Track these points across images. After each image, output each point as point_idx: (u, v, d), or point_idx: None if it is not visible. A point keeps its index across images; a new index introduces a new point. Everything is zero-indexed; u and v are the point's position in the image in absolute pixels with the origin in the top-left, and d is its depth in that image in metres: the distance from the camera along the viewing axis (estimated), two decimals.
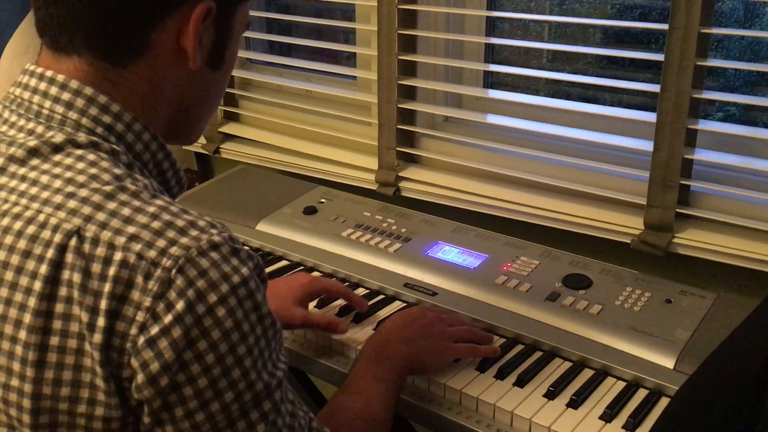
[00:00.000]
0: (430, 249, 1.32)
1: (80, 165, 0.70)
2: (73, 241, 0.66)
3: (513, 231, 1.39)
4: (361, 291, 1.25)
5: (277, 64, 1.85)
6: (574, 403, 0.97)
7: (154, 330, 0.64)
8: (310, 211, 1.47)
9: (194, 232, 0.67)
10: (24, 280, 0.66)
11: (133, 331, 0.65)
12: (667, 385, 0.99)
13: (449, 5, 1.52)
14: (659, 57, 1.22)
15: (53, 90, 0.73)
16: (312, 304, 1.18)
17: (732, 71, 1.39)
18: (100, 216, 0.67)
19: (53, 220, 0.67)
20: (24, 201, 0.69)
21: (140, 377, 0.65)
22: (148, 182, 0.73)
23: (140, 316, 0.64)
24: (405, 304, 1.21)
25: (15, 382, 0.67)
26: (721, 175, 1.29)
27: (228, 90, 1.84)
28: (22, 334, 0.66)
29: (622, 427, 0.93)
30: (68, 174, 0.69)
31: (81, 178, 0.69)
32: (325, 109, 1.70)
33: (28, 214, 0.68)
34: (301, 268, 1.34)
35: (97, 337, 0.65)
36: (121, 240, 0.65)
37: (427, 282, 1.24)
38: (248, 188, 1.64)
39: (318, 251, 1.35)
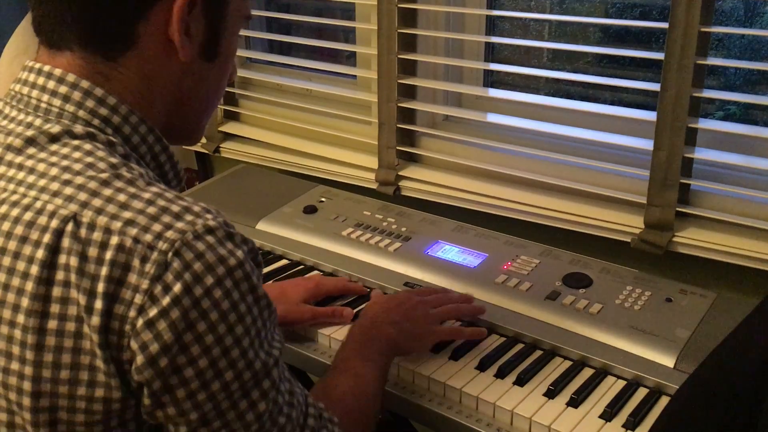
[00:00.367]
0: (430, 248, 1.32)
1: (77, 154, 0.71)
2: (70, 226, 0.66)
3: (513, 230, 1.39)
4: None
5: (278, 64, 1.85)
6: (574, 402, 0.97)
7: (153, 312, 0.65)
8: (310, 210, 1.47)
9: (189, 217, 0.68)
10: (21, 265, 0.67)
11: (132, 313, 0.65)
12: (667, 384, 0.99)
13: (449, 4, 1.52)
14: (659, 56, 1.21)
15: (51, 84, 0.74)
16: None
17: (732, 70, 1.38)
18: (97, 202, 0.67)
19: (50, 207, 0.68)
20: (21, 189, 0.70)
21: (140, 359, 0.66)
22: (144, 171, 0.73)
23: (138, 299, 0.65)
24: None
25: (15, 365, 0.68)
26: (722, 174, 1.29)
27: (228, 89, 1.84)
28: (21, 318, 0.67)
29: (622, 426, 0.93)
30: (65, 162, 0.70)
31: (77, 166, 0.70)
32: (325, 108, 1.70)
33: (26, 201, 0.69)
34: (301, 267, 1.34)
35: (95, 320, 0.65)
36: (117, 225, 0.66)
37: (427, 281, 1.24)
38: (248, 187, 1.63)
39: (318, 250, 1.35)
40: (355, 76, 1.73)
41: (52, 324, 0.66)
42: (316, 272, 1.31)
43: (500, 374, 1.03)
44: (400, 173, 1.57)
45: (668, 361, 1.02)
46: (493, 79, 1.61)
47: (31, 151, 0.71)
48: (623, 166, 1.33)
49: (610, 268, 1.24)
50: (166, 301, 0.65)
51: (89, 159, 0.70)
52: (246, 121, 1.88)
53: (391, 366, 1.02)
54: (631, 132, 1.35)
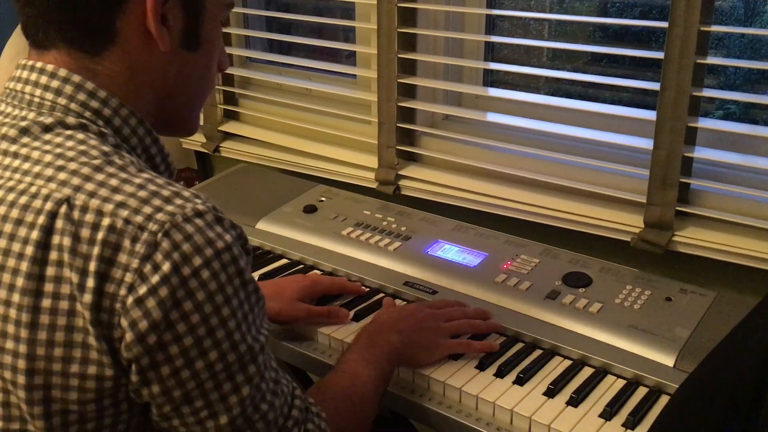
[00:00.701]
0: (430, 247, 1.32)
1: (70, 143, 0.73)
2: (63, 209, 0.68)
3: (513, 229, 1.39)
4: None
5: (277, 63, 1.85)
6: (574, 402, 0.97)
7: (142, 290, 0.67)
8: (310, 209, 1.47)
9: (179, 201, 0.70)
10: (16, 246, 0.69)
11: (122, 291, 0.67)
12: (667, 383, 0.99)
13: (449, 3, 1.51)
14: (659, 55, 1.21)
15: (43, 79, 0.76)
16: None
17: (732, 69, 1.38)
18: (89, 186, 0.69)
19: (44, 191, 0.70)
20: (17, 176, 0.72)
21: (129, 336, 0.67)
22: (135, 159, 0.75)
23: (128, 277, 0.67)
24: (405, 303, 1.21)
25: (10, 344, 0.69)
26: (721, 173, 1.29)
27: (228, 89, 1.85)
28: (16, 297, 0.68)
29: (622, 425, 0.93)
30: (58, 150, 0.72)
31: (71, 153, 0.72)
32: (325, 107, 1.70)
33: (21, 186, 0.71)
34: (301, 266, 1.34)
35: (87, 297, 0.67)
36: (109, 207, 0.68)
37: (427, 280, 1.24)
38: (248, 187, 1.64)
39: (318, 250, 1.35)
40: (354, 76, 1.73)
41: (46, 302, 0.68)
42: (315, 271, 1.31)
43: (500, 373, 1.03)
44: (399, 172, 1.57)
45: (668, 361, 1.02)
46: (492, 79, 1.61)
47: (26, 140, 0.74)
48: (623, 166, 1.33)
49: (609, 268, 1.24)
50: (155, 279, 0.66)
51: (82, 147, 0.72)
52: (246, 121, 1.88)
53: (394, 370, 1.02)
54: (631, 131, 1.35)
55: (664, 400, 0.98)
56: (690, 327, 1.08)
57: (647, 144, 1.27)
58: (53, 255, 0.68)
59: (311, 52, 1.88)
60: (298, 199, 1.52)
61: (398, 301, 1.21)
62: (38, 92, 0.76)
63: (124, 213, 0.68)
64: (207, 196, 0.74)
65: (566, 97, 1.50)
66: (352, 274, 1.28)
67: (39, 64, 0.77)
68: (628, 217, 1.33)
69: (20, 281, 0.68)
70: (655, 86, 1.24)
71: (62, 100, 0.75)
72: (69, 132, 0.74)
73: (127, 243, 0.67)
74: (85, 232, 0.67)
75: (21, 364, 0.68)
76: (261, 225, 1.44)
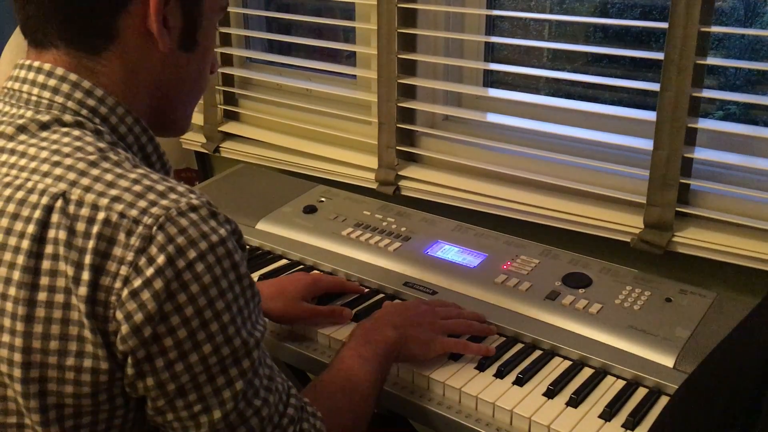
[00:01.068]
0: (430, 248, 1.32)
1: (66, 139, 0.73)
2: (59, 203, 0.69)
3: (513, 230, 1.39)
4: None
5: (277, 63, 1.85)
6: (574, 402, 0.97)
7: (137, 282, 0.67)
8: (310, 210, 1.47)
9: (174, 195, 0.71)
10: (13, 240, 0.69)
11: (117, 284, 0.67)
12: (667, 384, 0.99)
13: (449, 4, 1.52)
14: (659, 56, 1.21)
15: (40, 78, 0.77)
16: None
17: (732, 70, 1.38)
18: (85, 181, 0.70)
19: (41, 186, 0.70)
20: (14, 171, 0.73)
21: (124, 328, 0.68)
22: (131, 156, 0.76)
23: (123, 270, 0.67)
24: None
25: (6, 337, 0.69)
26: (721, 174, 1.29)
27: (228, 89, 1.85)
28: (12, 291, 0.69)
29: (622, 426, 0.93)
30: (55, 146, 0.73)
31: (67, 149, 0.72)
32: (325, 108, 1.70)
33: (18, 182, 0.72)
34: (301, 267, 1.34)
35: (83, 290, 0.67)
36: (104, 201, 0.69)
37: (426, 281, 1.24)
38: (248, 187, 1.64)
39: (318, 250, 1.35)
40: (354, 76, 1.73)
41: (42, 296, 0.68)
42: (315, 272, 1.31)
43: (500, 374, 1.03)
44: (399, 173, 1.57)
45: (668, 361, 1.02)
46: (492, 79, 1.61)
47: (23, 137, 0.74)
48: (623, 166, 1.33)
49: (609, 268, 1.24)
50: (149, 271, 0.67)
51: (78, 143, 0.73)
52: (246, 121, 1.88)
53: (391, 365, 1.02)
54: (631, 132, 1.35)
55: (663, 400, 0.98)
56: (690, 328, 1.08)
57: (647, 144, 1.27)
58: (49, 248, 0.68)
59: (311, 53, 1.88)
60: (298, 199, 1.52)
61: (397, 302, 1.21)
62: (36, 91, 0.77)
63: (119, 207, 0.68)
64: (204, 194, 0.74)
65: (566, 98, 1.50)
66: (351, 274, 1.28)
67: (36, 64, 0.77)
68: (627, 217, 1.33)
69: (16, 274, 0.69)
70: (655, 87, 1.24)
71: (59, 99, 0.76)
72: (65, 129, 0.74)
73: (122, 236, 0.68)
74: (80, 226, 0.68)
75: (17, 357, 0.69)
76: (261, 225, 1.44)
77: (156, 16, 0.76)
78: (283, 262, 1.36)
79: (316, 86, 1.75)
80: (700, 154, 1.26)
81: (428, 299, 1.18)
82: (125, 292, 0.67)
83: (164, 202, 0.69)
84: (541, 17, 1.53)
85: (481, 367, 1.04)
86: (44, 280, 0.68)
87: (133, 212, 0.68)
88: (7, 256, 0.69)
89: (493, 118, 1.51)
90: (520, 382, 1.01)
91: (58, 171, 0.71)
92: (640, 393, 1.00)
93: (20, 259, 0.69)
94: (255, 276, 1.28)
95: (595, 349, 1.06)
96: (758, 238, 1.21)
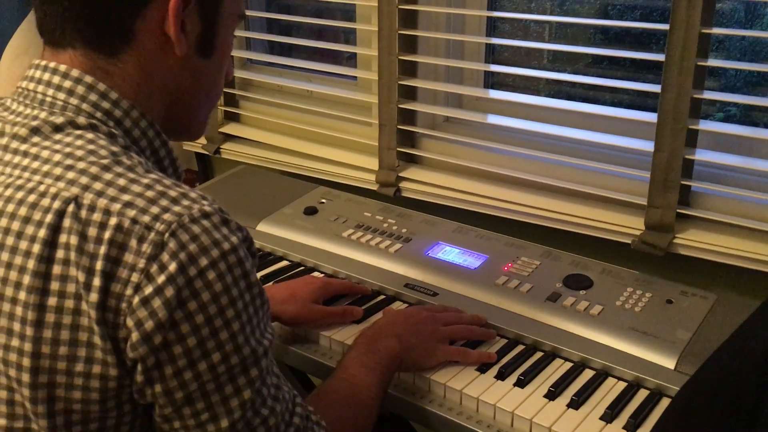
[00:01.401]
0: (431, 249, 1.32)
1: (79, 142, 0.73)
2: (71, 208, 0.69)
3: (513, 231, 1.39)
4: None
5: (278, 65, 1.85)
6: (575, 404, 0.97)
7: (148, 290, 0.67)
8: (310, 211, 1.47)
9: (186, 202, 0.70)
10: (24, 244, 0.69)
11: (128, 291, 0.67)
12: (668, 386, 0.99)
13: (450, 5, 1.52)
14: (660, 57, 1.21)
15: (56, 79, 0.76)
16: None
17: (733, 71, 1.38)
18: (97, 185, 0.70)
19: (53, 189, 0.70)
20: (26, 174, 0.72)
21: (135, 335, 0.67)
22: (143, 160, 0.76)
23: (135, 277, 0.67)
24: (406, 305, 1.21)
25: (15, 342, 0.69)
26: (722, 176, 1.29)
27: (228, 90, 1.85)
28: (22, 295, 0.68)
29: (623, 428, 0.93)
30: (68, 149, 0.72)
31: (79, 153, 0.72)
32: (325, 109, 1.70)
33: (30, 185, 0.71)
34: (302, 268, 1.33)
35: (93, 296, 0.67)
36: (116, 206, 0.68)
37: (427, 282, 1.24)
38: (249, 188, 1.64)
39: (318, 251, 1.35)
40: (355, 78, 1.73)
41: (52, 301, 0.68)
42: (316, 273, 1.31)
43: (501, 376, 1.03)
44: (400, 174, 1.57)
45: (669, 363, 1.02)
46: (493, 81, 1.61)
47: (36, 139, 0.74)
48: (624, 168, 1.33)
49: (610, 270, 1.24)
50: (161, 279, 0.67)
51: (91, 146, 0.73)
52: (246, 123, 1.88)
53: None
54: (632, 133, 1.35)
55: (665, 402, 0.98)
56: (691, 329, 1.08)
57: (648, 146, 1.27)
58: (60, 253, 0.68)
59: (312, 54, 1.88)
60: (298, 200, 1.52)
61: (399, 304, 1.21)
62: (50, 92, 0.76)
63: (132, 212, 0.68)
64: (216, 200, 0.74)
65: (567, 99, 1.50)
66: (352, 276, 1.28)
67: (52, 64, 0.77)
68: (628, 219, 1.33)
69: (27, 279, 0.68)
70: (655, 88, 1.24)
71: (74, 101, 0.76)
72: (79, 132, 0.74)
73: (133, 243, 0.67)
74: (92, 231, 0.68)
75: (26, 362, 0.69)
76: (261, 227, 1.44)
77: (174, 20, 0.76)
78: (284, 263, 1.35)
79: (317, 87, 1.75)
80: (701, 155, 1.26)
81: (429, 304, 1.18)
82: (136, 300, 0.67)
83: (177, 208, 0.69)
84: (541, 19, 1.53)
85: (482, 369, 1.04)
86: (55, 285, 0.68)
87: (146, 218, 0.68)
88: (18, 260, 0.69)
89: (493, 119, 1.51)
90: (521, 383, 1.01)
91: (70, 175, 0.70)
92: (642, 395, 0.99)
93: (31, 264, 0.68)
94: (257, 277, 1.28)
95: (596, 350, 1.06)
96: (759, 240, 1.21)
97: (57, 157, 0.72)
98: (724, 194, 1.26)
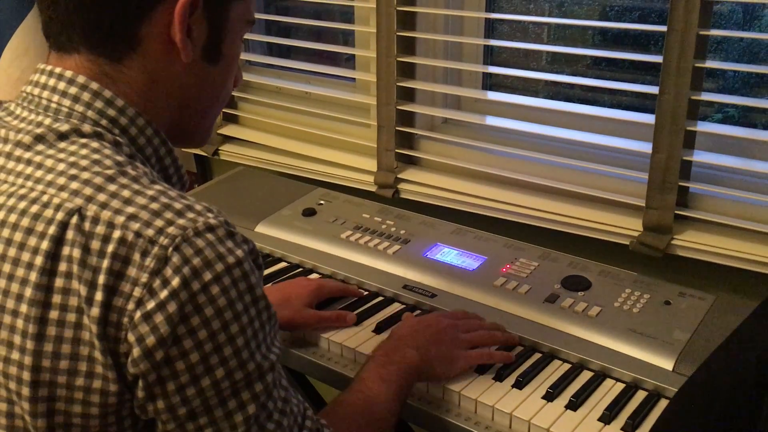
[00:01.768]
0: (429, 251, 1.32)
1: (84, 151, 0.72)
2: (74, 219, 0.68)
3: (512, 233, 1.39)
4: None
5: (276, 66, 1.85)
6: (573, 405, 0.97)
7: (151, 305, 0.66)
8: (309, 212, 1.47)
9: (191, 215, 0.69)
10: (26, 256, 0.68)
11: (130, 306, 0.66)
12: (666, 387, 0.99)
13: (448, 7, 1.52)
14: (658, 59, 1.22)
15: (61, 85, 0.76)
16: None
17: (731, 73, 1.39)
18: (101, 197, 0.69)
19: (56, 200, 0.69)
20: (29, 183, 0.71)
21: (136, 351, 0.66)
22: (149, 170, 0.75)
23: (137, 292, 0.66)
24: (404, 306, 1.21)
25: (15, 355, 0.68)
26: (720, 177, 1.29)
27: None
28: (23, 308, 0.68)
29: (621, 429, 0.93)
30: (72, 159, 0.71)
31: (84, 162, 0.71)
32: (324, 111, 1.70)
33: (33, 195, 0.70)
34: (300, 269, 1.33)
35: (95, 311, 0.66)
36: (120, 219, 0.67)
37: (426, 284, 1.24)
38: (247, 190, 1.64)
39: (317, 253, 1.35)
40: (354, 79, 1.73)
41: (54, 314, 0.67)
42: (314, 275, 1.31)
43: (499, 377, 1.03)
44: (398, 176, 1.57)
45: (667, 364, 1.02)
46: (491, 82, 1.61)
47: (40, 147, 0.73)
48: (622, 169, 1.33)
49: (608, 271, 1.24)
50: (164, 294, 0.66)
51: (96, 156, 0.72)
52: (245, 124, 1.88)
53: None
54: (630, 135, 1.35)
55: (663, 403, 0.98)
56: (689, 330, 1.08)
57: (646, 147, 1.27)
58: (62, 266, 0.67)
59: (310, 56, 1.88)
60: (297, 202, 1.52)
61: (397, 305, 1.21)
62: (55, 98, 0.76)
63: (135, 226, 0.67)
64: (222, 212, 0.73)
65: (565, 101, 1.50)
66: (351, 277, 1.28)
67: (58, 70, 0.76)
68: (627, 220, 1.33)
69: (28, 291, 0.67)
70: (654, 90, 1.24)
71: (79, 107, 0.75)
72: (84, 140, 0.73)
73: (137, 257, 0.66)
74: (95, 244, 0.67)
75: (26, 375, 0.68)
76: (260, 228, 1.44)
77: (180, 26, 0.74)
78: (283, 265, 1.35)
79: (316, 89, 1.75)
80: (699, 157, 1.26)
81: (430, 302, 1.18)
82: (138, 314, 0.66)
83: (181, 221, 0.68)
84: (540, 20, 1.53)
85: (481, 370, 1.04)
86: (56, 299, 0.67)
87: (149, 232, 0.67)
88: (20, 272, 0.68)
89: (492, 120, 1.51)
90: (519, 385, 1.01)
91: (74, 185, 0.69)
92: (640, 396, 1.00)
93: (33, 276, 0.67)
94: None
95: (594, 351, 1.06)
96: (757, 241, 1.22)
97: (61, 167, 0.71)
98: (722, 195, 1.26)
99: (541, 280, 1.21)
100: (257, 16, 1.81)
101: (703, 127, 1.25)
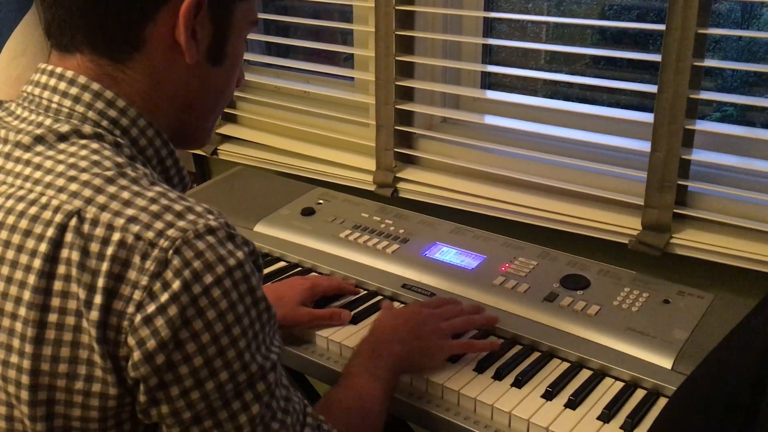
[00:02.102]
0: (428, 250, 1.32)
1: (83, 152, 0.72)
2: (74, 222, 0.67)
3: (511, 232, 1.39)
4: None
5: (275, 66, 1.85)
6: (572, 404, 0.97)
7: (151, 308, 0.65)
8: (308, 212, 1.47)
9: (191, 216, 0.68)
10: (24, 258, 0.68)
11: (130, 309, 0.66)
12: (665, 386, 0.99)
13: (447, 6, 1.52)
14: (656, 57, 1.22)
15: (62, 85, 0.75)
16: None
17: (729, 72, 1.39)
18: (101, 198, 0.68)
19: (55, 202, 0.69)
20: (28, 184, 0.71)
21: (137, 355, 0.66)
22: (149, 171, 0.74)
23: (137, 295, 0.66)
24: (403, 306, 1.21)
25: (14, 358, 0.68)
26: (719, 176, 1.29)
27: None
28: (22, 311, 0.67)
29: (620, 428, 0.93)
30: (71, 160, 0.71)
31: (83, 164, 0.70)
32: (322, 110, 1.70)
33: (31, 196, 0.70)
34: (299, 269, 1.33)
35: (94, 315, 0.66)
36: (120, 221, 0.67)
37: (425, 283, 1.24)
38: (246, 189, 1.64)
39: (316, 252, 1.35)
40: (352, 78, 1.73)
41: (53, 317, 0.67)
42: (312, 274, 1.31)
43: (498, 376, 1.03)
44: (397, 175, 1.57)
45: (666, 363, 1.02)
46: (490, 81, 1.61)
47: (40, 148, 0.73)
48: (620, 168, 1.33)
49: (607, 270, 1.24)
50: (164, 297, 0.65)
51: (95, 157, 0.71)
52: (244, 124, 1.88)
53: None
54: (629, 134, 1.35)
55: (662, 402, 0.98)
56: (688, 329, 1.08)
57: (645, 146, 1.27)
58: (61, 269, 0.67)
59: (309, 55, 1.88)
60: (295, 201, 1.52)
61: (396, 304, 1.21)
62: (56, 98, 0.75)
63: (135, 228, 0.66)
64: (222, 214, 0.72)
65: (564, 100, 1.50)
66: (350, 276, 1.28)
67: (59, 70, 0.76)
68: (625, 219, 1.33)
69: (27, 295, 0.67)
70: (652, 89, 1.24)
71: (80, 108, 0.75)
72: (84, 141, 0.73)
73: (137, 259, 0.66)
74: (94, 247, 0.66)
75: (25, 379, 0.68)
76: (259, 228, 1.44)
77: (185, 27, 0.74)
78: (282, 264, 1.35)
79: (314, 88, 1.75)
80: (698, 155, 1.26)
81: (426, 300, 1.18)
82: (138, 318, 0.65)
83: (181, 223, 0.67)
84: (538, 19, 1.53)
85: (480, 369, 1.04)
86: (55, 302, 0.67)
87: (149, 234, 0.66)
88: (18, 274, 0.68)
89: (490, 120, 1.51)
90: (518, 383, 1.01)
91: (73, 186, 0.69)
92: (639, 394, 1.00)
93: (31, 279, 0.67)
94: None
95: (593, 350, 1.06)
96: (756, 240, 1.22)
97: (60, 168, 0.70)
98: (720, 194, 1.26)
99: (540, 279, 1.21)
100: None
101: (702, 125, 1.25)
